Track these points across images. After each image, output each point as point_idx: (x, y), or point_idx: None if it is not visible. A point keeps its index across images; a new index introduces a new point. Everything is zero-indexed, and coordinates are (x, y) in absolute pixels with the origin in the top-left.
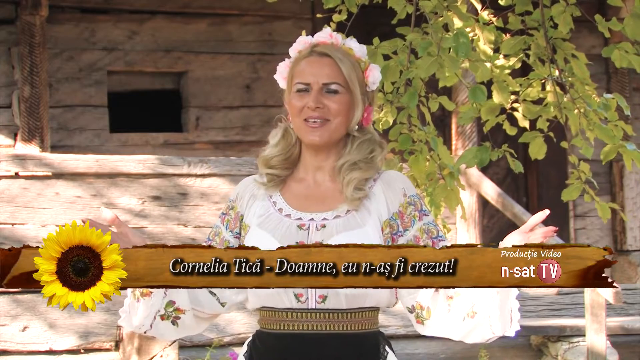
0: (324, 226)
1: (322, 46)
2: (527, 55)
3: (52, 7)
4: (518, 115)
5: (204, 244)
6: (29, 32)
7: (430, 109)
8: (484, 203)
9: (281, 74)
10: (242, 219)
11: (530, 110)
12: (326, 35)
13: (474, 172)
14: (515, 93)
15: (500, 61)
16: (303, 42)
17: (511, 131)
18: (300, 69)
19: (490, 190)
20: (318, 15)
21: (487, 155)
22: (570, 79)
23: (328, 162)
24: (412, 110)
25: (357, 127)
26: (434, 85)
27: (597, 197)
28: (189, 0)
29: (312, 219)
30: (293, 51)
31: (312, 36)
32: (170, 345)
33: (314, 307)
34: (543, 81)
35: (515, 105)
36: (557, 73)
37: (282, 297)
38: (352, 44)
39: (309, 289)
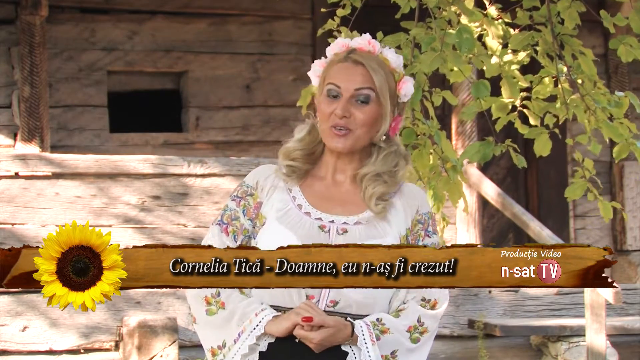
0: (345, 231)
1: (358, 54)
2: (536, 51)
3: (52, 7)
4: (529, 113)
5: (215, 225)
6: (29, 32)
7: (434, 103)
8: (484, 203)
9: (315, 72)
10: (260, 208)
11: (539, 106)
12: (364, 41)
13: (474, 172)
14: (525, 90)
15: (509, 56)
16: (341, 44)
17: (523, 130)
18: (333, 72)
19: (490, 190)
20: (322, 10)
21: (490, 150)
22: (579, 76)
23: (350, 166)
24: (415, 105)
25: (384, 137)
26: (439, 79)
27: (600, 196)
28: (189, 0)
29: (332, 221)
30: (330, 52)
31: (351, 40)
32: (170, 345)
33: (323, 309)
34: (555, 78)
35: (526, 102)
36: (565, 69)
37: (292, 297)
38: (389, 54)
39: (322, 293)
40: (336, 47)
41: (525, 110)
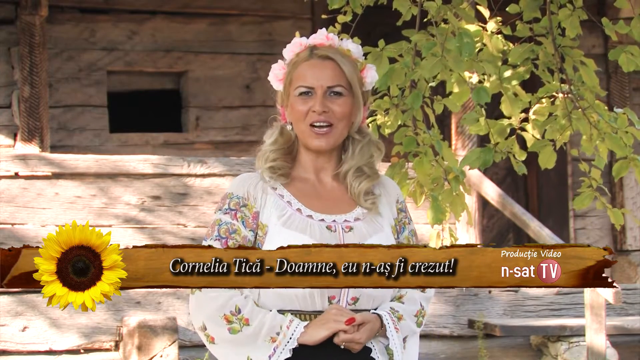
0: (350, 228)
1: (323, 49)
2: (536, 66)
3: (52, 7)
4: (527, 135)
5: (213, 241)
6: (29, 32)
7: (435, 111)
8: (484, 203)
9: (276, 76)
10: (259, 217)
11: (539, 123)
12: (322, 37)
13: (474, 172)
14: (526, 110)
15: (508, 73)
16: (298, 44)
17: (521, 155)
18: (301, 73)
19: (490, 190)
20: (323, 16)
21: (490, 157)
22: (579, 89)
23: (330, 164)
24: (416, 112)
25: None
26: (440, 85)
27: (609, 205)
28: (189, 0)
29: (334, 221)
30: (288, 53)
31: (307, 38)
32: (170, 345)
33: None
34: (553, 99)
35: (524, 124)
36: (566, 86)
37: (315, 300)
38: (350, 45)
39: (342, 291)
40: (295, 47)
41: (523, 134)
